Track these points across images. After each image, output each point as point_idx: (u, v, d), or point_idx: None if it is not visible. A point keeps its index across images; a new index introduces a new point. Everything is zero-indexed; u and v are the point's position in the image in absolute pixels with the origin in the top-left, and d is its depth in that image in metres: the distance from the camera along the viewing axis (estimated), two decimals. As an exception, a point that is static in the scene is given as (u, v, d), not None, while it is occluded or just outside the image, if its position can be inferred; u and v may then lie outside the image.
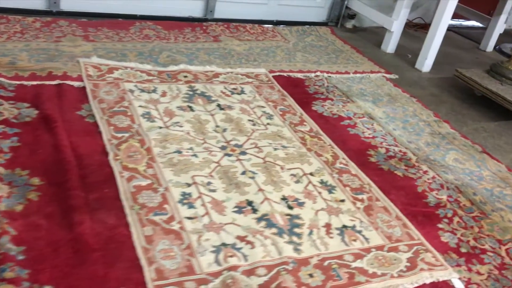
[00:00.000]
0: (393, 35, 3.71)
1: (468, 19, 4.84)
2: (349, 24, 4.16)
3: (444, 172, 2.29)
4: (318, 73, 3.07)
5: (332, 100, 2.78)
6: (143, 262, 1.44)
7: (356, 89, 3.00)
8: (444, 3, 3.32)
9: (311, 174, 2.03)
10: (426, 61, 3.51)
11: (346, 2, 4.02)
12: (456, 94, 3.28)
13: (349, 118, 2.62)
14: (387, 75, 3.32)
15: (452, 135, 2.68)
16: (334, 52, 3.52)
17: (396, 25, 3.66)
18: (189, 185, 1.78)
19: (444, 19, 3.36)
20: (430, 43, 3.46)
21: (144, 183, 1.74)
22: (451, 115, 2.98)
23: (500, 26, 4.23)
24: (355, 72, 3.24)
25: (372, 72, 3.31)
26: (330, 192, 1.95)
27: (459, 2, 4.57)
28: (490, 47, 4.31)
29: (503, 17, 4.18)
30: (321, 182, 2.00)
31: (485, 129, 2.89)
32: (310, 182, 1.98)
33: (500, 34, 4.35)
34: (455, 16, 4.90)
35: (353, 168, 2.15)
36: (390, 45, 3.76)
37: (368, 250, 1.69)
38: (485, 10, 4.51)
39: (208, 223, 1.63)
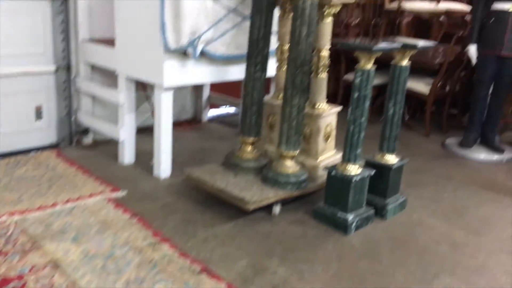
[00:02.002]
0: (125, 145, 3.27)
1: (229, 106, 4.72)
2: (88, 140, 3.65)
3: (130, 326, 1.73)
4: (4, 218, 2.41)
5: (6, 254, 2.11)
6: None
7: (57, 226, 2.39)
8: (158, 97, 2.98)
9: None
10: (162, 166, 3.09)
11: (73, 118, 3.54)
12: (196, 197, 2.87)
13: (20, 278, 1.96)
14: (112, 194, 2.80)
15: (169, 258, 2.18)
16: (50, 180, 2.92)
17: (124, 133, 3.24)
18: None
19: (164, 116, 3.00)
20: (159, 146, 3.07)
21: None
22: (181, 226, 2.52)
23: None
24: (68, 201, 2.66)
25: (92, 195, 2.76)
26: None
27: (212, 90, 4.51)
28: (248, 131, 4.14)
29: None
30: None
31: (217, 235, 2.46)
32: None
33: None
34: (216, 106, 4.77)
35: None
36: (126, 156, 3.29)
37: None
38: (237, 94, 4.41)
39: None
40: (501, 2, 3.62)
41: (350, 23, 4.81)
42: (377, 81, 4.36)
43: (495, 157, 3.82)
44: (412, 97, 4.51)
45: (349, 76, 4.77)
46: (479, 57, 3.79)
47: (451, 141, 4.11)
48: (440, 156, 3.87)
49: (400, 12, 4.56)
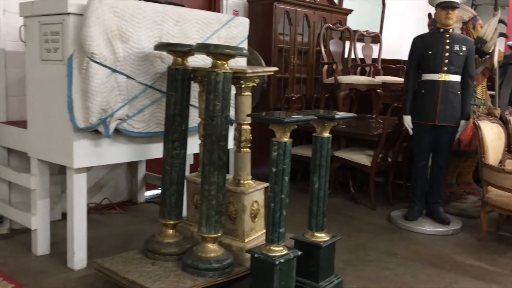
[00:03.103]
0: (39, 234, 2.97)
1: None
2: (3, 229, 3.34)
3: None
4: None
5: None
6: None
7: None
8: (69, 180, 2.74)
9: None
10: (76, 256, 2.79)
11: (-14, 205, 3.25)
12: (110, 290, 2.57)
13: None
14: (12, 293, 2.47)
15: None
16: None
17: (37, 221, 2.95)
18: None
19: (77, 200, 2.75)
20: (72, 234, 2.79)
21: None
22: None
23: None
24: (-44, 304, 2.32)
25: (-14, 295, 2.43)
26: None
27: (149, 170, 4.29)
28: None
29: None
30: None
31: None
32: None
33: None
34: (154, 185, 4.52)
35: None
36: (40, 245, 2.98)
37: None
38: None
39: None
40: (430, 72, 3.66)
41: (291, 97, 4.79)
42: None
43: (440, 229, 3.66)
44: (358, 170, 4.43)
45: (294, 150, 4.66)
46: (414, 127, 3.76)
47: (397, 213, 3.95)
48: (385, 230, 3.69)
49: (338, 85, 4.58)
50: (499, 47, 4.15)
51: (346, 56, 5.30)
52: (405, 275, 2.90)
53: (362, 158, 4.22)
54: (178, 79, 2.60)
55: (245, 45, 3.32)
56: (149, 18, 2.72)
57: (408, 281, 2.83)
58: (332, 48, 4.99)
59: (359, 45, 5.51)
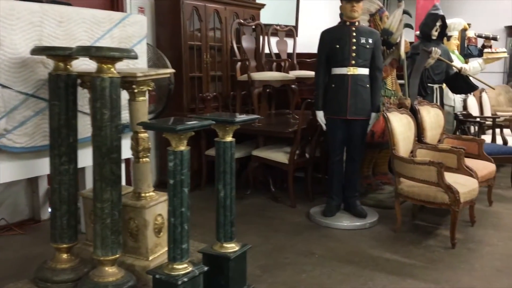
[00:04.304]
0: None
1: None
2: None
3: None
4: None
5: None
6: None
7: None
8: None
9: None
10: (-44, 292, 2.47)
11: None
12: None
13: None
14: None
15: None
16: None
17: None
18: None
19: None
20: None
21: None
22: None
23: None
24: None
25: None
26: None
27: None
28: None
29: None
30: None
31: None
32: None
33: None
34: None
35: None
36: None
37: None
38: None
39: None
40: (339, 66, 3.62)
41: (206, 97, 4.61)
42: (238, 154, 4.17)
43: (358, 223, 3.65)
44: (277, 168, 4.34)
45: (211, 152, 4.50)
46: (327, 122, 3.71)
47: (316, 210, 3.90)
48: (304, 229, 3.62)
49: (251, 82, 4.45)
50: (406, 38, 4.21)
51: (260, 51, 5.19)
52: (322, 276, 2.83)
53: (280, 156, 4.13)
54: (60, 86, 2.33)
55: (143, 44, 3.08)
56: (24, 19, 2.41)
57: (324, 282, 2.76)
58: (244, 44, 4.85)
59: (273, 40, 5.41)
